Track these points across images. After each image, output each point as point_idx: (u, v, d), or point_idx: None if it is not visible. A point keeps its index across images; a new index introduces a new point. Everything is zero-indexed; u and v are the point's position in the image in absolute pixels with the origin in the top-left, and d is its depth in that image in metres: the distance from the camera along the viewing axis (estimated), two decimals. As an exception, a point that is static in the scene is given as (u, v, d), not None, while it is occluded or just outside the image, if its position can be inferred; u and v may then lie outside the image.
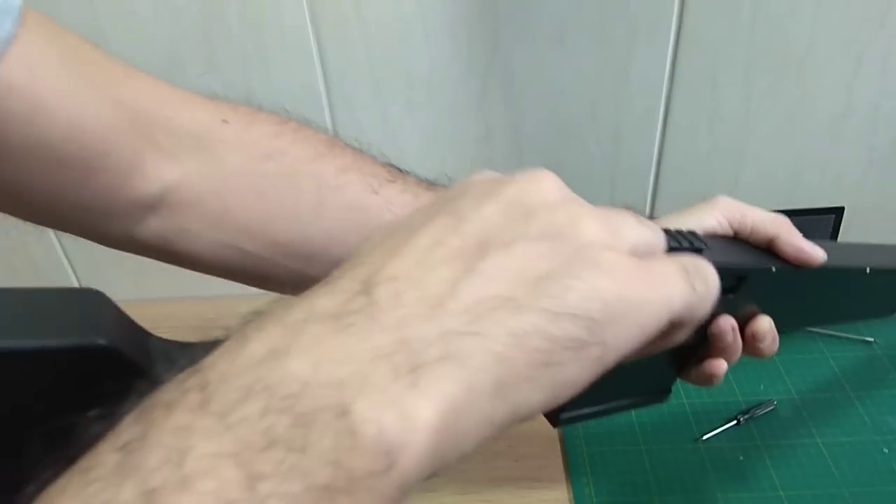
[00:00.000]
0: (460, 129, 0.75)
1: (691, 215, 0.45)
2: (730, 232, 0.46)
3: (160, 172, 0.41)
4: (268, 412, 0.18)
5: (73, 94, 0.37)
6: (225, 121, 0.43)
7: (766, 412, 0.65)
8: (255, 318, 0.22)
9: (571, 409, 0.42)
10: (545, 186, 0.26)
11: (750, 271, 0.42)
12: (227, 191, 0.42)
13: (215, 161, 0.42)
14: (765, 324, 0.44)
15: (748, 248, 0.46)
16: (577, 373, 0.23)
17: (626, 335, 0.24)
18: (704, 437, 0.62)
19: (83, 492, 0.18)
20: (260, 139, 0.44)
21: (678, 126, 0.73)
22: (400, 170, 0.48)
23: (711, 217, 0.45)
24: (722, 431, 0.63)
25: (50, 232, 0.79)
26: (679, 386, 0.67)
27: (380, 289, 0.21)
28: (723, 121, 0.73)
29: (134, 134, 0.40)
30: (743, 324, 0.44)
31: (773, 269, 0.44)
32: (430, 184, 0.48)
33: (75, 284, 0.86)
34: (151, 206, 0.41)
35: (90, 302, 0.28)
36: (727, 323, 0.42)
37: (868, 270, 0.51)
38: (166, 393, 0.20)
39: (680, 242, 0.36)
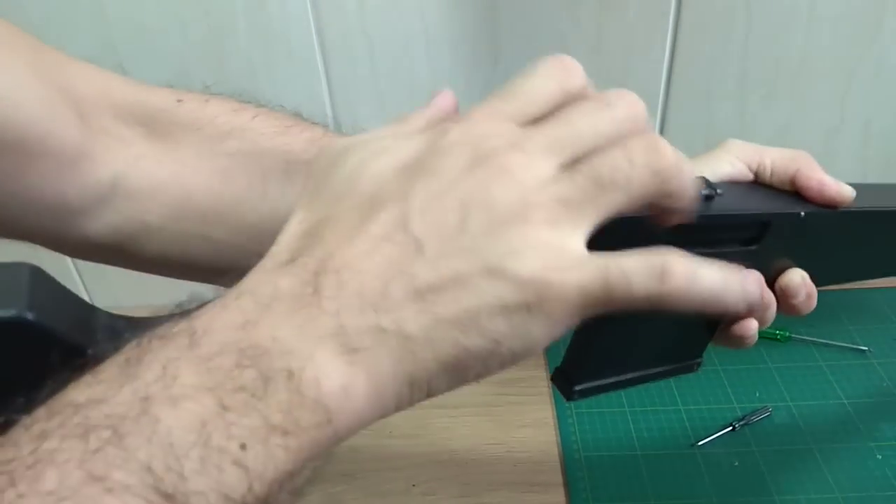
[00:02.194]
0: (461, 140, 0.76)
1: (702, 162, 0.41)
2: (749, 176, 0.42)
3: (111, 158, 0.38)
4: (239, 365, 0.22)
5: (4, 68, 0.35)
6: (179, 100, 0.41)
7: (762, 419, 0.65)
8: (235, 287, 0.25)
9: (585, 381, 0.39)
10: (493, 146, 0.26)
11: (773, 216, 0.38)
12: (187, 175, 0.39)
13: (171, 143, 0.39)
14: (796, 278, 0.40)
15: (771, 192, 0.41)
16: (494, 368, 0.26)
17: (544, 330, 0.26)
18: (700, 443, 0.63)
19: (89, 389, 0.22)
20: (218, 116, 0.41)
21: (674, 138, 0.73)
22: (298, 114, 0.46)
23: (724, 162, 0.41)
24: (717, 437, 0.64)
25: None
26: (675, 392, 0.69)
27: (328, 279, 0.24)
28: (718, 133, 0.74)
29: (78, 118, 0.37)
30: (773, 279, 0.40)
31: (802, 214, 0.39)
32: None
33: (83, 293, 0.87)
34: (104, 196, 0.38)
35: (18, 275, 0.28)
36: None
37: None
38: (161, 329, 0.24)
39: None
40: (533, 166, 0.25)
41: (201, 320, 0.24)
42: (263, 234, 0.39)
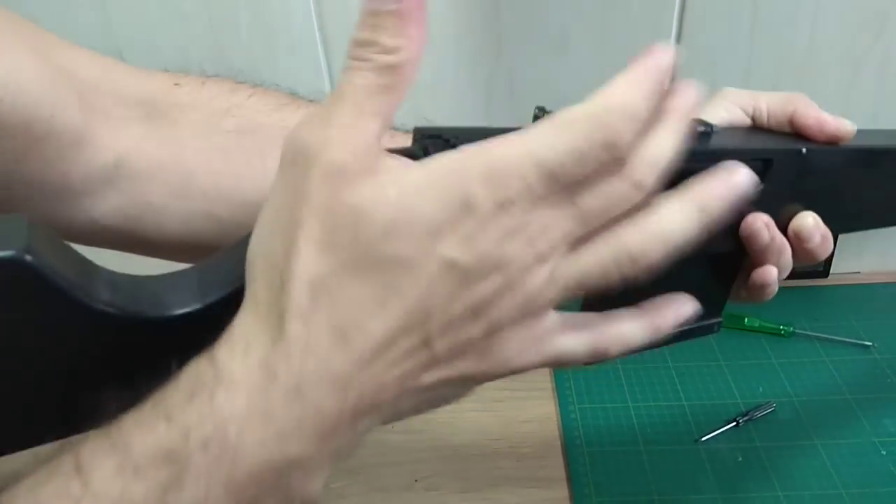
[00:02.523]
0: (464, 135, 0.76)
1: (700, 111, 0.40)
2: (746, 121, 0.42)
3: (112, 140, 0.39)
4: (208, 443, 0.23)
5: (8, 50, 0.35)
6: (177, 84, 0.41)
7: (765, 414, 0.65)
8: (211, 365, 0.25)
9: None
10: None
11: (774, 153, 0.37)
12: (187, 154, 0.40)
13: (170, 124, 0.40)
14: (808, 220, 0.38)
15: (770, 134, 0.41)
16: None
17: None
18: (704, 439, 0.63)
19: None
20: (215, 97, 0.42)
21: (678, 132, 0.74)
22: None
23: (720, 108, 0.41)
24: (721, 433, 0.64)
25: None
26: (678, 387, 0.69)
27: (290, 362, 0.24)
28: (722, 127, 0.74)
29: (79, 101, 0.38)
30: (785, 224, 0.39)
31: (803, 150, 0.38)
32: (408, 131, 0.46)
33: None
34: (108, 178, 0.39)
35: (17, 223, 0.27)
36: (757, 220, 0.37)
37: None
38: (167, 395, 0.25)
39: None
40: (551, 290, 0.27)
41: (181, 408, 0.24)
42: None
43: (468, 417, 0.67)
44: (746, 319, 0.75)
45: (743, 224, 0.37)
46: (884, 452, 0.61)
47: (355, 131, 0.25)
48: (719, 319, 0.42)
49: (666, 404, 0.67)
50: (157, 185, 0.40)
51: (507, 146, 0.26)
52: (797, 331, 0.75)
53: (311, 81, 0.72)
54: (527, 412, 0.67)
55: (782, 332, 0.75)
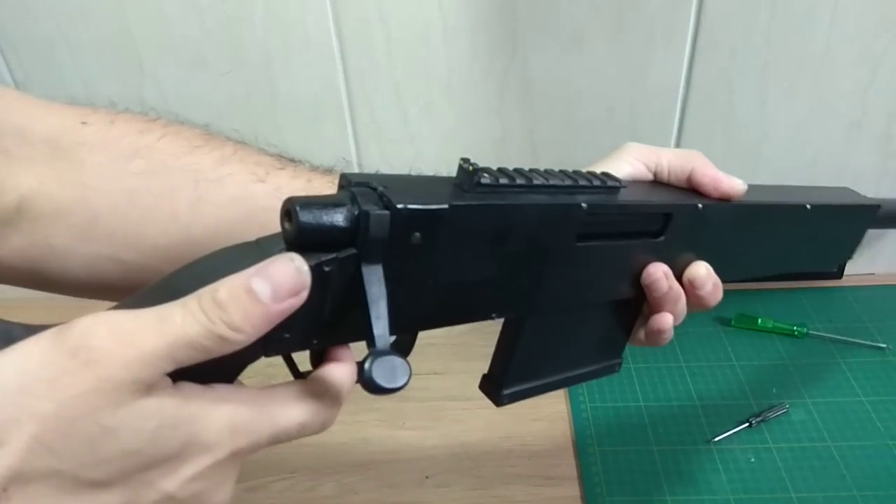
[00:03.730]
0: (478, 131, 0.76)
1: (603, 164, 0.43)
2: (649, 176, 0.45)
3: (14, 182, 0.37)
4: None
5: None
6: (84, 122, 0.40)
7: (778, 415, 0.65)
8: None
9: (512, 385, 0.41)
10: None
11: (674, 207, 0.40)
12: (92, 196, 0.39)
13: (75, 165, 0.39)
14: (701, 269, 0.43)
15: (671, 189, 0.44)
16: None
17: None
18: (716, 439, 0.63)
19: None
20: (123, 137, 0.40)
21: (694, 129, 0.74)
22: (292, 159, 0.45)
23: (624, 162, 0.44)
24: (734, 434, 0.63)
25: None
26: (691, 388, 0.68)
27: None
28: (738, 125, 0.73)
29: None
30: (680, 273, 0.43)
31: (699, 206, 0.42)
32: (327, 170, 0.45)
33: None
34: (10, 220, 0.38)
35: None
36: (657, 270, 0.41)
37: (809, 207, 0.48)
38: None
39: (591, 181, 0.36)
40: None
41: None
42: (174, 255, 0.37)
43: (479, 415, 0.67)
44: (760, 320, 0.75)
45: (644, 273, 0.41)
46: (898, 455, 0.61)
47: (149, 368, 0.24)
48: (619, 360, 0.46)
49: (678, 404, 0.67)
50: (60, 227, 0.38)
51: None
52: (811, 332, 0.74)
53: (325, 75, 0.72)
54: (538, 410, 0.67)
55: (796, 332, 0.74)
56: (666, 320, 0.42)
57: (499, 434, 0.65)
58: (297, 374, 0.32)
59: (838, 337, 0.74)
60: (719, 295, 0.43)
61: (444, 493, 0.60)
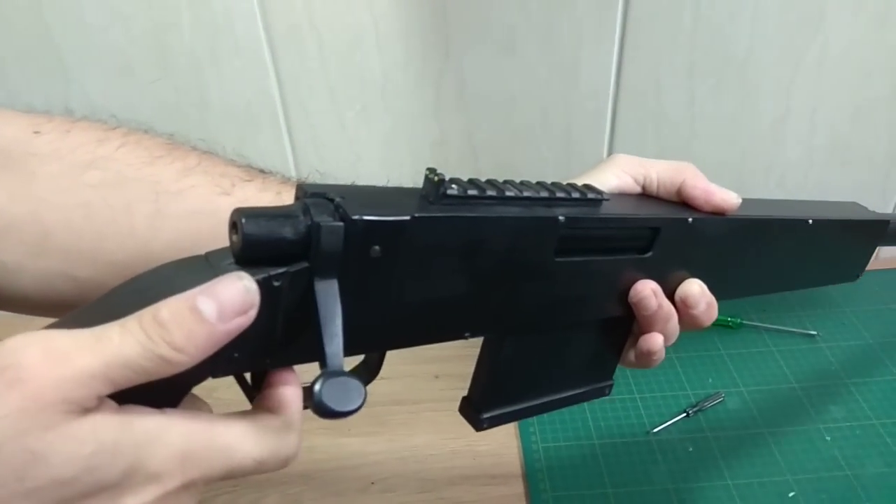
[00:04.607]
0: (416, 134, 0.76)
1: (591, 175, 0.41)
2: (637, 189, 0.42)
3: None
4: None
5: None
6: (37, 132, 0.37)
7: (715, 404, 0.67)
8: None
9: (493, 409, 0.39)
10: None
11: (662, 221, 0.38)
12: (44, 210, 0.36)
13: (26, 177, 0.36)
14: (694, 287, 0.40)
15: (660, 202, 0.42)
16: None
17: None
18: (655, 430, 0.64)
19: None
20: (79, 147, 0.38)
21: (626, 128, 0.75)
22: (261, 170, 0.43)
23: (611, 175, 0.42)
24: (672, 424, 0.65)
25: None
26: (630, 380, 0.69)
27: None
28: (668, 123, 0.75)
29: None
30: (672, 291, 0.40)
31: (690, 220, 0.39)
32: (299, 181, 0.42)
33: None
34: None
35: None
36: (645, 287, 0.38)
37: (811, 222, 0.46)
38: None
39: (570, 193, 0.34)
40: None
41: None
42: (132, 272, 0.34)
43: (426, 418, 0.67)
44: (696, 312, 0.77)
45: (632, 291, 0.38)
46: (829, 438, 0.63)
47: (82, 388, 0.23)
48: (610, 382, 0.44)
49: (619, 398, 0.68)
50: (9, 243, 0.36)
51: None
52: (745, 322, 0.76)
53: (257, 80, 0.71)
54: (483, 410, 0.67)
55: (731, 323, 0.76)
56: (656, 341, 0.40)
57: (445, 436, 0.65)
58: (251, 396, 0.31)
59: (771, 326, 0.76)
60: (714, 314, 0.41)
61: (389, 497, 0.60)
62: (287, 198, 0.40)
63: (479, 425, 0.39)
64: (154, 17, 0.66)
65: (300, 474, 0.62)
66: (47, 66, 0.69)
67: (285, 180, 0.42)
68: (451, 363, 0.71)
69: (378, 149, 0.77)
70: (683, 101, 0.74)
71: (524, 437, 0.64)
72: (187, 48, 0.68)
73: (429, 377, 0.71)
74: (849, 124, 0.77)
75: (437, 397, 0.69)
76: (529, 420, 0.66)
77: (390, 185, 0.36)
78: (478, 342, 0.55)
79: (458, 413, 0.68)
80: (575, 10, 0.68)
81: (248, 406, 0.30)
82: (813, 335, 0.75)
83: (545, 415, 0.66)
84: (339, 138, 0.76)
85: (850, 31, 0.71)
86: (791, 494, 0.58)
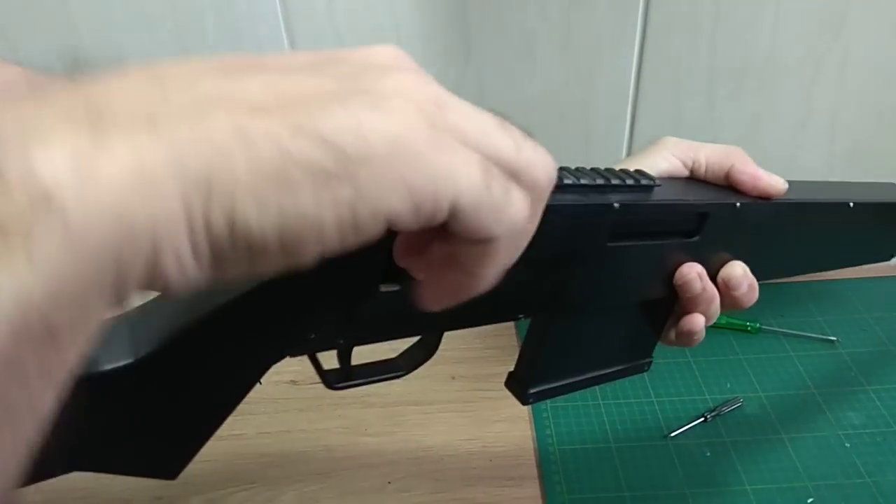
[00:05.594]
0: (434, 137, 0.76)
1: (638, 159, 0.42)
2: (685, 172, 0.43)
3: None
4: None
5: None
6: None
7: (733, 409, 0.66)
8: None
9: (539, 384, 0.40)
10: (384, 52, 0.24)
11: (710, 206, 0.39)
12: None
13: None
14: (737, 269, 0.41)
15: (707, 186, 0.42)
16: (315, 209, 0.19)
17: (387, 187, 0.20)
18: (672, 435, 0.64)
19: None
20: None
21: (644, 133, 0.75)
22: None
23: (661, 158, 0.42)
24: (689, 428, 0.65)
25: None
26: (647, 384, 0.69)
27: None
28: (687, 127, 0.75)
29: None
30: (715, 273, 0.41)
31: (738, 205, 0.40)
32: None
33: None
34: None
35: None
36: (691, 270, 0.39)
37: (852, 205, 0.46)
38: None
39: (624, 180, 0.35)
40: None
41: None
42: None
43: (441, 419, 0.68)
44: (714, 317, 0.77)
45: (677, 274, 0.40)
46: (848, 445, 0.62)
47: None
48: (649, 359, 0.45)
49: (636, 401, 0.68)
50: None
51: None
52: (763, 327, 0.76)
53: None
54: (499, 412, 0.67)
55: (749, 328, 0.76)
56: (698, 321, 0.41)
57: (461, 436, 0.66)
58: (324, 377, 0.32)
59: (790, 331, 0.75)
60: (755, 296, 0.42)
61: (405, 497, 0.60)
62: None
63: (525, 400, 0.41)
64: (178, 20, 0.67)
65: (317, 473, 0.63)
66: (74, 68, 0.70)
67: None
68: (468, 364, 0.72)
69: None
70: (703, 106, 0.74)
71: (540, 438, 0.64)
72: (211, 51, 0.69)
73: (445, 378, 0.72)
74: (870, 130, 0.77)
75: (453, 398, 0.70)
76: (546, 422, 0.66)
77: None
78: (497, 343, 0.56)
79: (473, 414, 0.68)
80: (595, 15, 0.68)
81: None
82: (832, 341, 0.74)
83: (562, 417, 0.66)
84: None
85: (871, 36, 0.70)
86: (810, 501, 0.57)
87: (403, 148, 0.20)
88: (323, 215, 0.20)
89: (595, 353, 0.42)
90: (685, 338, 0.42)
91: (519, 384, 0.41)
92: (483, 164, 0.22)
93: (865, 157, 0.79)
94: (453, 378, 0.72)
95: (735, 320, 0.76)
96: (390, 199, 0.20)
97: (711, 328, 0.74)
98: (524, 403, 0.41)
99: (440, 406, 0.69)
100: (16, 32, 0.68)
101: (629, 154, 0.77)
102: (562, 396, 0.68)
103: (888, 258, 0.56)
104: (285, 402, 0.70)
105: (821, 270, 0.52)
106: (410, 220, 0.21)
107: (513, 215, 0.23)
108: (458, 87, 0.60)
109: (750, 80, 0.73)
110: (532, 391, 0.40)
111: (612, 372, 0.44)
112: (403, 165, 0.20)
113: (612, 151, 0.77)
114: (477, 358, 0.72)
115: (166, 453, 0.31)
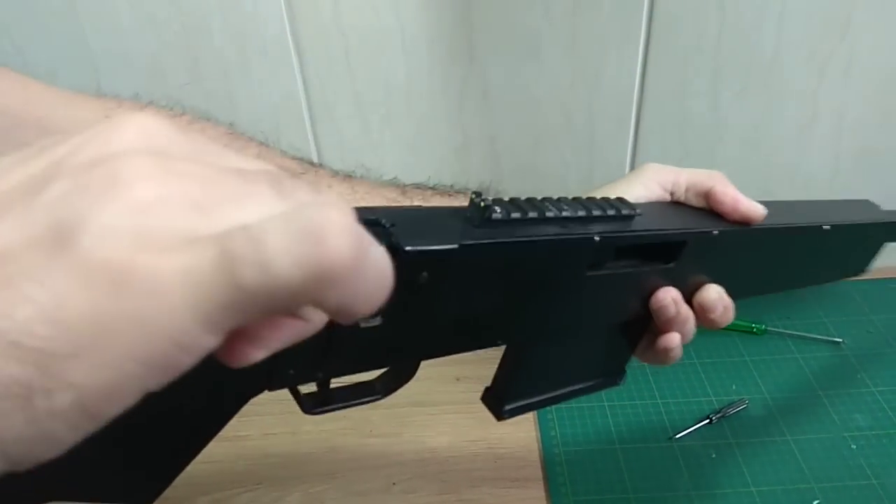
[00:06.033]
0: (439, 138, 0.77)
1: (619, 186, 0.43)
2: (666, 197, 0.44)
3: None
4: None
5: None
6: (108, 116, 0.38)
7: (738, 411, 0.66)
8: None
9: (514, 400, 0.41)
10: (122, 135, 0.18)
11: (689, 235, 0.39)
12: None
13: None
14: (712, 293, 0.42)
15: (688, 211, 0.43)
16: (34, 432, 0.15)
17: (115, 372, 0.16)
18: (678, 436, 0.64)
19: None
20: None
21: (650, 133, 0.75)
22: (312, 163, 0.43)
23: (640, 185, 0.43)
24: (695, 430, 0.64)
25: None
26: (653, 386, 0.69)
27: None
28: (693, 128, 0.75)
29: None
30: (690, 295, 0.42)
31: (715, 233, 0.40)
32: (347, 175, 0.44)
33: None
34: None
35: None
36: (667, 295, 0.40)
37: (827, 227, 0.47)
38: None
39: (605, 210, 0.35)
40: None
41: None
42: None
43: (446, 420, 0.68)
44: (719, 318, 0.76)
45: (653, 298, 0.40)
46: (854, 447, 0.62)
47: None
48: (623, 373, 0.46)
49: (641, 403, 0.68)
50: None
51: None
52: (769, 328, 0.76)
53: (285, 85, 0.72)
54: (504, 413, 0.68)
55: (754, 330, 0.76)
56: (673, 339, 0.41)
57: (465, 438, 0.66)
58: (301, 403, 0.32)
59: (795, 333, 0.75)
60: (731, 316, 0.43)
61: (410, 498, 0.60)
62: (337, 191, 0.42)
63: (500, 415, 0.41)
64: (185, 22, 0.68)
65: (323, 473, 0.63)
66: (80, 70, 0.70)
67: (334, 174, 0.43)
68: (472, 366, 0.72)
69: (402, 152, 0.78)
70: (708, 106, 0.74)
71: (545, 439, 0.64)
72: (217, 52, 0.70)
73: (450, 380, 0.72)
74: (876, 130, 0.76)
75: (457, 399, 0.70)
76: (551, 423, 0.66)
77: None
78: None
79: (478, 415, 0.68)
80: (600, 15, 0.68)
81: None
82: (838, 342, 0.74)
83: (567, 419, 0.66)
84: (363, 142, 0.77)
85: (876, 36, 0.70)
86: (815, 503, 0.57)
87: (112, 316, 0.15)
88: (45, 436, 0.16)
89: (570, 370, 0.43)
90: (662, 355, 0.42)
91: (495, 400, 0.42)
92: (213, 258, 0.16)
93: (871, 158, 0.78)
94: (458, 379, 0.72)
95: (740, 322, 0.76)
96: (134, 381, 0.16)
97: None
98: (499, 419, 0.42)
99: (445, 407, 0.69)
100: (22, 34, 0.69)
101: (633, 154, 0.77)
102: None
103: (859, 273, 0.57)
104: (291, 404, 0.69)
105: (795, 287, 0.53)
106: (170, 376, 0.17)
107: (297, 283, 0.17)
108: (463, 88, 0.60)
109: (755, 81, 0.72)
110: (507, 407, 0.41)
111: (587, 387, 0.45)
112: (122, 336, 0.15)
113: (616, 152, 0.77)
114: (481, 359, 0.72)
115: (141, 482, 0.31)
